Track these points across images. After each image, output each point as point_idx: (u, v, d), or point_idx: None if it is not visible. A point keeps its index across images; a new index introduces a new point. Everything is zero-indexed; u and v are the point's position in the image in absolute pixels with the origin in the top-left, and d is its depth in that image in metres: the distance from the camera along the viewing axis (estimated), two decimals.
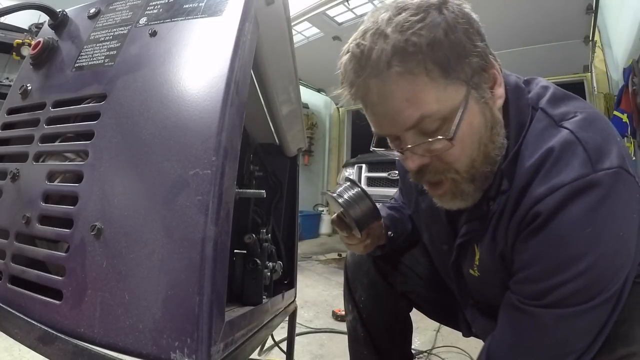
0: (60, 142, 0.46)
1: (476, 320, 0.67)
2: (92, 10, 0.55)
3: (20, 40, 2.28)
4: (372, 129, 0.54)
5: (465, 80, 0.47)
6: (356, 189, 0.67)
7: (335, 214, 0.70)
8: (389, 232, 0.79)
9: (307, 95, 4.94)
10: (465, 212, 0.58)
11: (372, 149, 0.60)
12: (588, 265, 0.43)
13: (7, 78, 2.28)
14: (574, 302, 0.45)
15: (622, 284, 0.45)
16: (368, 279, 0.85)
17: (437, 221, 0.66)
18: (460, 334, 0.80)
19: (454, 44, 0.45)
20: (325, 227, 4.40)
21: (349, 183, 0.69)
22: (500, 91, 0.51)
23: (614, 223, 0.43)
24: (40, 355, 0.37)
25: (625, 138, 1.98)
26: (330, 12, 3.28)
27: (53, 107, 0.48)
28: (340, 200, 0.65)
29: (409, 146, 0.49)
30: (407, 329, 0.89)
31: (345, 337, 0.89)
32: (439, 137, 0.47)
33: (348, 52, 0.49)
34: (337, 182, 3.43)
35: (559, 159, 0.45)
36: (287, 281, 0.89)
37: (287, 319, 0.88)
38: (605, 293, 0.44)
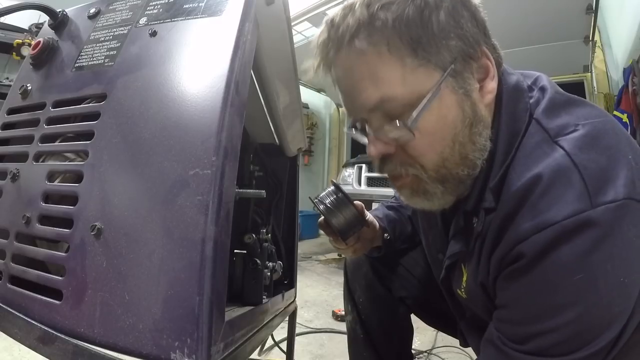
0: (60, 142, 0.46)
1: (470, 336, 0.63)
2: (92, 10, 0.55)
3: (20, 40, 2.28)
4: (345, 108, 0.50)
5: (441, 66, 0.41)
6: (339, 195, 0.64)
7: (322, 218, 0.67)
8: (385, 235, 0.76)
9: (307, 95, 4.94)
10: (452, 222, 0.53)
11: (345, 130, 0.57)
12: (576, 316, 0.37)
13: (7, 78, 2.28)
14: (558, 352, 0.39)
15: (619, 332, 0.38)
16: (366, 281, 0.84)
17: (433, 227, 0.61)
18: None
19: (430, 22, 0.40)
20: None
21: (332, 188, 0.65)
22: (491, 85, 0.45)
23: (613, 269, 0.36)
24: (40, 355, 0.37)
25: None
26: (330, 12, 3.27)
27: (53, 107, 0.48)
28: (321, 207, 0.62)
29: (371, 131, 0.45)
30: (407, 331, 0.88)
31: (345, 337, 0.89)
32: (398, 124, 0.41)
33: (323, 25, 0.45)
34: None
35: (548, 189, 0.38)
36: (287, 281, 0.89)
37: (287, 319, 0.88)
38: (594, 345, 0.37)
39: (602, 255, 0.36)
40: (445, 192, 0.46)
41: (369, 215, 0.75)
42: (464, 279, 0.52)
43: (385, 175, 0.49)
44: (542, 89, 0.47)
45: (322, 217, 0.68)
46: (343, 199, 0.63)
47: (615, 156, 0.38)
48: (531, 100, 0.46)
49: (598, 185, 0.37)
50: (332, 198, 0.63)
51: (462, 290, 0.54)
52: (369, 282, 0.83)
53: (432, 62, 0.41)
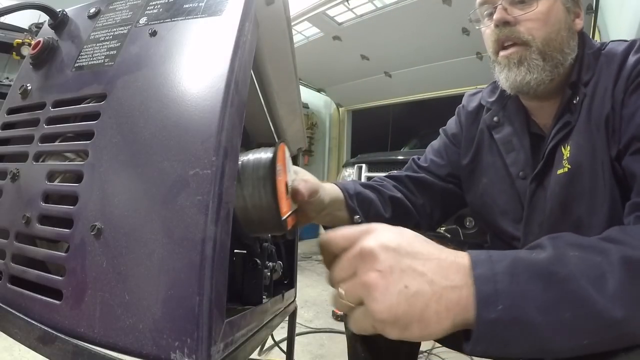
0: (60, 142, 0.46)
1: None
2: (92, 10, 0.55)
3: (20, 40, 2.29)
4: (476, 5, 0.67)
5: None
6: (264, 170, 0.45)
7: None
8: (356, 217, 0.69)
9: (307, 95, 4.95)
10: (551, 123, 0.63)
11: (470, 17, 0.71)
12: None
13: (7, 78, 2.28)
14: None
15: None
16: None
17: (516, 149, 0.68)
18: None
19: None
20: None
21: (268, 155, 0.46)
22: (579, 22, 0.64)
23: None
24: (40, 355, 0.37)
25: None
26: (330, 12, 3.29)
27: (53, 107, 0.48)
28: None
29: (502, 2, 0.60)
30: (414, 347, 0.83)
31: (345, 337, 0.89)
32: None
33: None
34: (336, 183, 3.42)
35: None
36: (287, 281, 0.89)
37: (287, 319, 0.88)
38: None
39: None
40: (544, 69, 0.60)
41: (324, 190, 0.63)
42: (566, 155, 0.61)
43: (498, 36, 0.63)
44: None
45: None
46: (267, 176, 0.43)
47: None
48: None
49: None
50: (257, 173, 0.44)
51: (565, 163, 0.60)
52: None
53: None
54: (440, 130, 0.87)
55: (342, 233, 0.38)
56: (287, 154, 0.53)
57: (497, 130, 0.71)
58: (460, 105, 0.84)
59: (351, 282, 0.35)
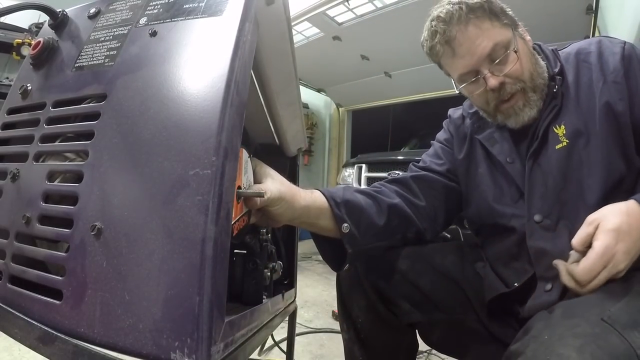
0: (60, 142, 0.46)
1: (534, 235, 0.68)
2: (92, 10, 0.55)
3: (20, 40, 2.29)
4: (454, 74, 0.76)
5: (510, 25, 0.71)
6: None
7: None
8: (344, 225, 0.66)
9: (307, 95, 4.94)
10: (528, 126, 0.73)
11: (456, 89, 0.78)
12: None
13: (7, 78, 2.28)
14: None
15: None
16: (367, 302, 0.77)
17: (499, 142, 0.78)
18: None
19: (496, 5, 0.70)
20: None
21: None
22: (528, 38, 0.74)
23: None
24: (40, 355, 0.37)
25: None
26: (330, 12, 3.28)
27: (53, 107, 0.48)
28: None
29: (487, 71, 0.69)
30: (412, 352, 0.83)
31: None
32: (508, 51, 0.68)
33: (433, 20, 0.71)
34: (337, 182, 3.42)
35: (601, 39, 0.72)
36: (287, 281, 0.89)
37: (287, 319, 0.88)
38: None
39: None
40: (540, 98, 0.71)
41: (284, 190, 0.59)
42: (562, 133, 0.69)
43: (497, 99, 0.72)
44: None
45: None
46: None
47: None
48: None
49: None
50: None
51: (562, 139, 0.69)
52: (371, 305, 0.77)
53: (506, 24, 0.70)
54: (431, 142, 0.95)
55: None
56: (245, 157, 0.52)
57: (479, 132, 0.81)
58: (447, 119, 0.95)
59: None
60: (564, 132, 0.69)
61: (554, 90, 0.71)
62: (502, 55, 0.68)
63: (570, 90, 0.70)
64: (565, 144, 0.69)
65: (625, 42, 0.69)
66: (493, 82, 0.68)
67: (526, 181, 0.71)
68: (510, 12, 0.72)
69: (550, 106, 0.71)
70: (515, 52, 0.68)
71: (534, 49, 0.76)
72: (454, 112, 0.93)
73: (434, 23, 0.71)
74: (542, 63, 0.73)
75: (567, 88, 0.71)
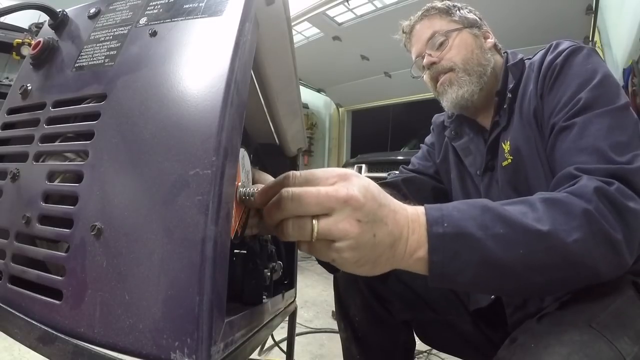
0: (60, 142, 0.46)
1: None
2: (92, 10, 0.55)
3: (20, 40, 2.29)
4: (413, 61, 0.89)
5: (460, 23, 0.82)
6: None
7: None
8: None
9: (307, 95, 4.95)
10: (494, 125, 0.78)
11: (412, 75, 0.93)
12: (600, 80, 0.60)
13: (7, 78, 2.28)
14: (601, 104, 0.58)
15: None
16: (362, 300, 0.79)
17: (474, 152, 0.83)
18: None
19: (455, 8, 0.83)
20: None
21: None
22: (490, 41, 0.84)
23: (602, 66, 0.62)
24: (40, 355, 0.37)
25: None
26: (330, 12, 3.29)
27: (53, 107, 0.48)
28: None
29: (427, 51, 0.82)
30: (409, 350, 0.84)
31: None
32: (442, 36, 0.81)
33: (406, 22, 0.91)
34: None
35: (557, 44, 0.69)
36: (287, 281, 0.89)
37: (287, 319, 0.88)
38: (619, 100, 0.58)
39: (593, 59, 0.64)
40: (471, 82, 0.78)
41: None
42: (507, 148, 0.73)
43: (432, 75, 0.84)
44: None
45: None
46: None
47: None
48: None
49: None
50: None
51: (507, 155, 0.73)
52: (366, 302, 0.78)
53: (456, 21, 0.82)
54: (420, 145, 1.07)
55: (316, 172, 0.42)
56: (242, 157, 0.51)
57: (456, 140, 0.88)
58: (432, 124, 1.05)
59: (326, 221, 0.38)
60: (509, 149, 0.73)
61: (504, 106, 0.75)
62: (441, 41, 0.80)
63: (517, 105, 0.73)
64: (509, 161, 0.72)
65: (570, 46, 0.67)
66: (426, 60, 0.82)
67: (483, 195, 0.77)
68: (470, 16, 0.83)
69: (494, 121, 0.76)
70: (449, 39, 0.79)
71: (505, 53, 0.82)
72: (437, 118, 1.03)
73: (406, 23, 0.90)
74: (488, 56, 0.80)
75: (517, 103, 0.73)
